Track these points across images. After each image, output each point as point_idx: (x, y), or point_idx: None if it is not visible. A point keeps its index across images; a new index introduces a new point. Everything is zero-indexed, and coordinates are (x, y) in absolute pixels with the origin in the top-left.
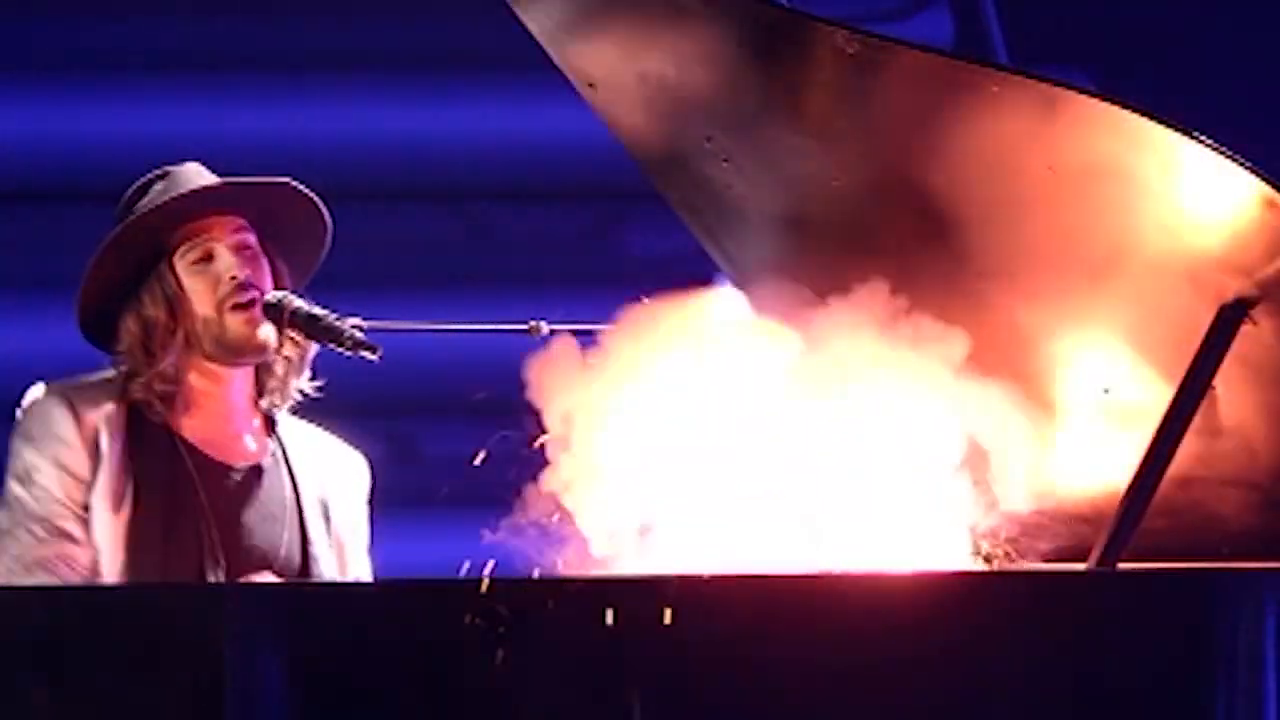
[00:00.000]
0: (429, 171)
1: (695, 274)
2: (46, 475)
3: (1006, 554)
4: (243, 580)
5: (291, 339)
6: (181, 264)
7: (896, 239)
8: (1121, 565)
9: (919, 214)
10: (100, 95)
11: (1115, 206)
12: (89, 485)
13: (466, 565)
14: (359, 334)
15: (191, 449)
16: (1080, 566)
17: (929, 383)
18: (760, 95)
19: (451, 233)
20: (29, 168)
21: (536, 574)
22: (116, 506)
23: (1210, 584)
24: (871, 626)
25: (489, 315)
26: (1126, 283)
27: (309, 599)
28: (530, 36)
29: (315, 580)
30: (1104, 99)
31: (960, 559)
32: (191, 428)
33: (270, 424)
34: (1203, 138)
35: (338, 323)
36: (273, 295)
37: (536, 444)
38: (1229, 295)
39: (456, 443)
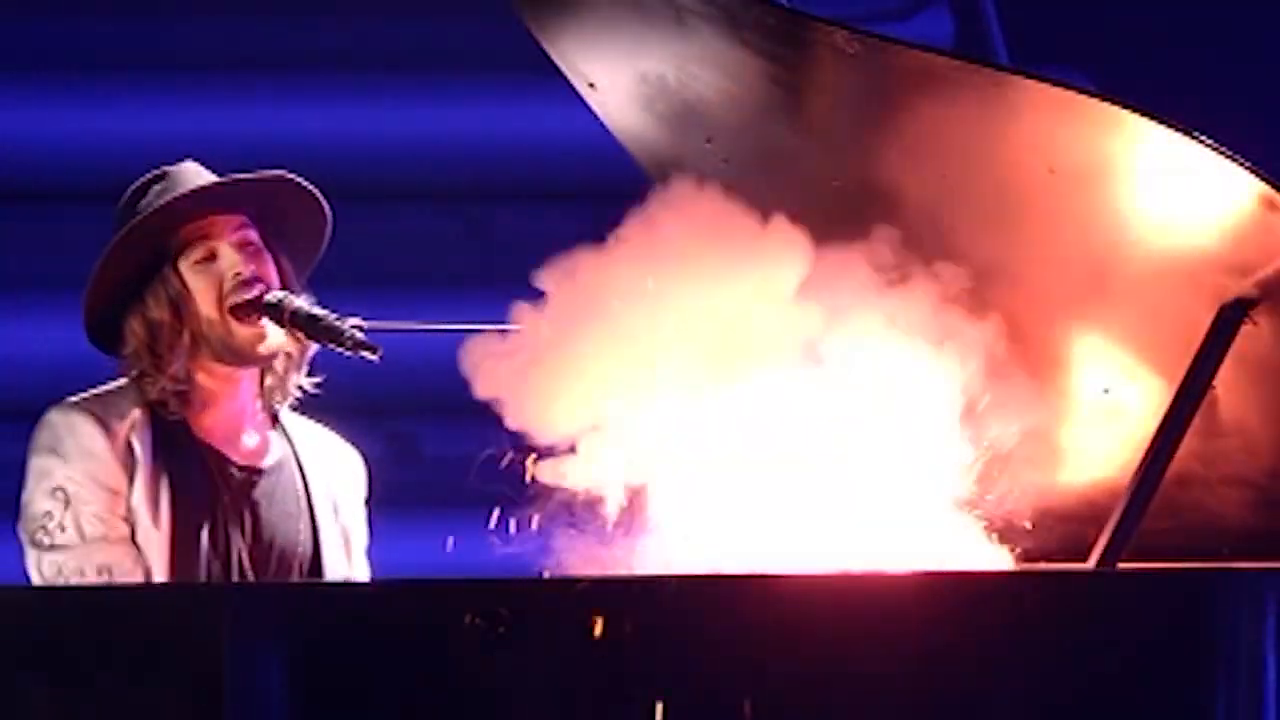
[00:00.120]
0: (429, 171)
1: None
2: (86, 491)
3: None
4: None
5: (292, 336)
6: (185, 264)
7: (896, 239)
8: (1122, 565)
9: (919, 214)
10: (100, 95)
11: (1116, 206)
12: (126, 496)
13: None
14: (359, 334)
15: (211, 449)
16: (1080, 566)
17: (928, 383)
18: (760, 96)
19: (451, 233)
20: (28, 168)
21: (537, 574)
22: (155, 513)
23: (1210, 584)
24: (871, 626)
25: (489, 315)
26: (1126, 283)
27: (309, 599)
28: (531, 37)
29: (319, 578)
30: (1104, 99)
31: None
32: (207, 428)
33: (275, 421)
34: (1203, 138)
35: (338, 323)
36: (273, 295)
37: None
38: (1229, 295)
39: (456, 443)
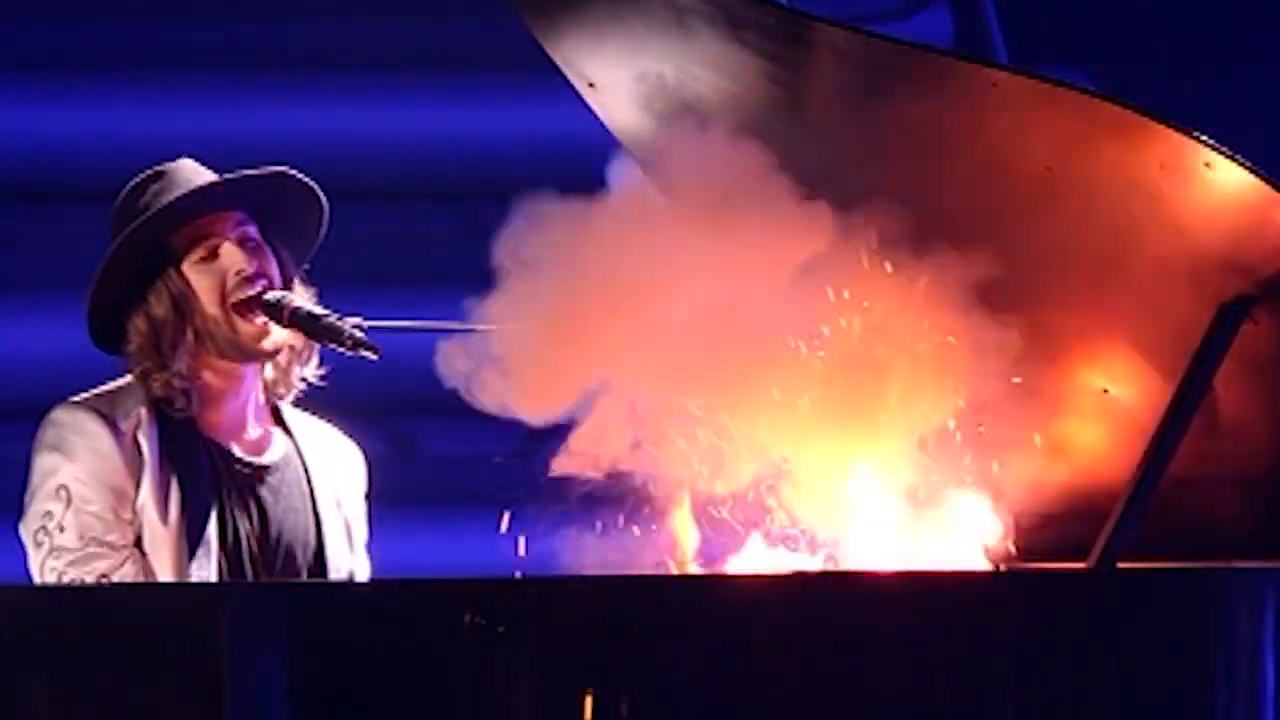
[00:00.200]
0: (429, 171)
1: None
2: (91, 491)
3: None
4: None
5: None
6: (187, 262)
7: (896, 239)
8: (1121, 565)
9: (919, 214)
10: (100, 95)
11: (1115, 206)
12: (134, 496)
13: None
14: (359, 334)
15: (216, 446)
16: (1080, 566)
17: (930, 381)
18: (760, 96)
19: (451, 232)
20: (28, 168)
21: (538, 573)
22: (163, 511)
23: (1210, 583)
24: (871, 626)
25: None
26: (1126, 282)
27: (309, 598)
28: (530, 37)
29: (324, 573)
30: (1104, 99)
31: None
32: (211, 424)
33: (277, 416)
34: (1203, 137)
35: (338, 322)
36: (273, 295)
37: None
38: (1229, 294)
39: (456, 442)
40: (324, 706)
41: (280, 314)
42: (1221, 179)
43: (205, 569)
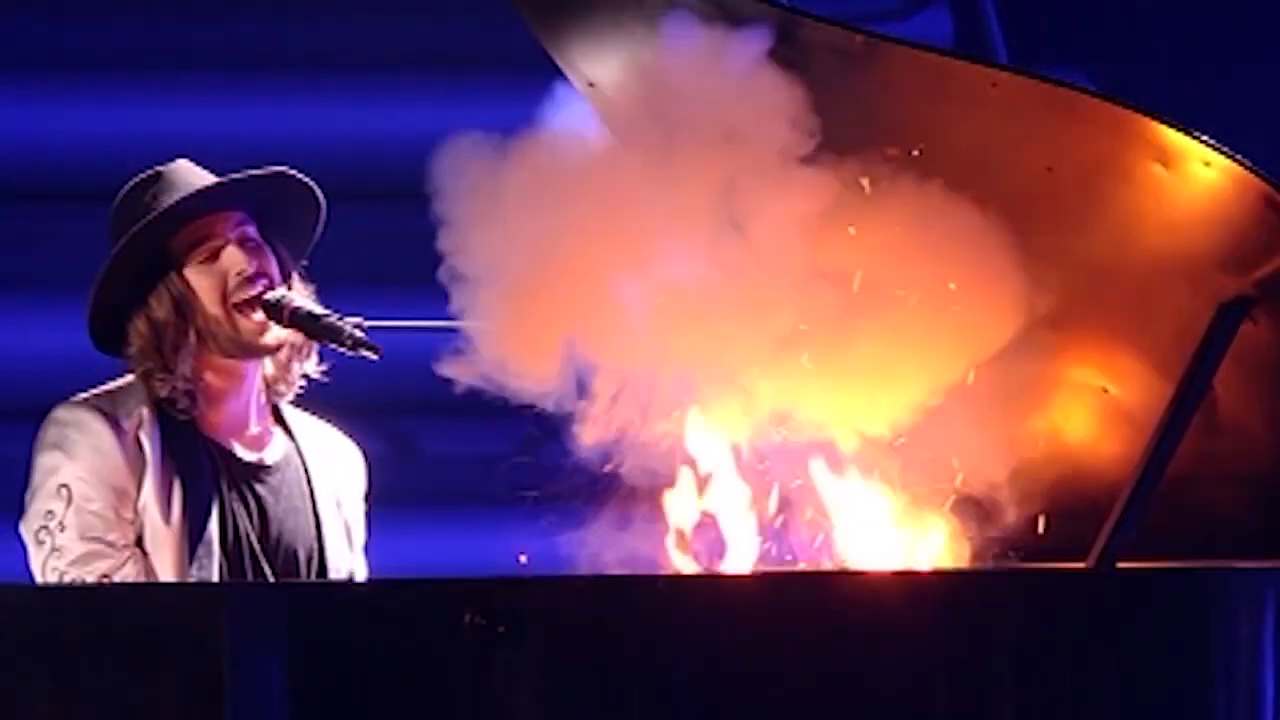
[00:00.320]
0: (429, 171)
1: None
2: (92, 490)
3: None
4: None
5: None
6: (188, 264)
7: (896, 238)
8: (1121, 564)
9: (919, 213)
10: (100, 95)
11: (1115, 206)
12: (135, 496)
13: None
14: (359, 333)
15: (218, 447)
16: (1080, 566)
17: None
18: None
19: None
20: (28, 168)
21: (538, 572)
22: (166, 511)
23: (1210, 582)
24: (872, 626)
25: None
26: (1126, 281)
27: (309, 598)
28: (530, 37)
29: (324, 573)
30: (1104, 99)
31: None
32: (212, 424)
33: (278, 415)
34: (1202, 137)
35: (338, 322)
36: (273, 295)
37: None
38: (1228, 294)
39: (457, 442)
40: (324, 706)
41: (280, 314)
42: (1221, 179)
43: (206, 569)
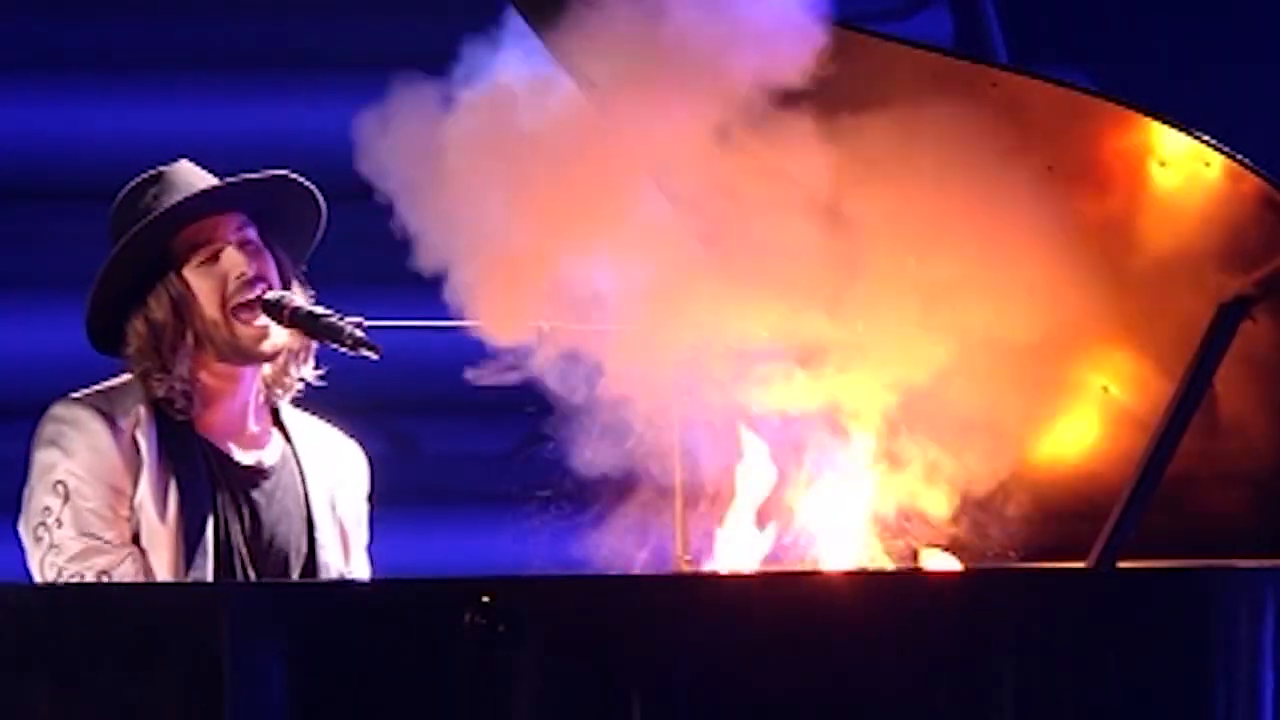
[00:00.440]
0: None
1: None
2: (88, 487)
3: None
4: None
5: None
6: (188, 265)
7: (896, 237)
8: (1121, 563)
9: (919, 212)
10: (100, 95)
11: (1115, 206)
12: (131, 494)
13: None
14: (359, 333)
15: (213, 448)
16: (1080, 565)
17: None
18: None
19: None
20: (28, 167)
21: (537, 572)
22: (161, 509)
23: (1209, 582)
24: (872, 625)
25: None
26: (1126, 280)
27: (309, 598)
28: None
29: (320, 574)
30: (1104, 99)
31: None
32: (208, 426)
33: (276, 417)
34: (1203, 136)
35: (338, 321)
36: (273, 294)
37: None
38: (1228, 293)
39: (457, 441)
40: (324, 706)
41: (280, 313)
42: (1221, 178)
43: (201, 569)
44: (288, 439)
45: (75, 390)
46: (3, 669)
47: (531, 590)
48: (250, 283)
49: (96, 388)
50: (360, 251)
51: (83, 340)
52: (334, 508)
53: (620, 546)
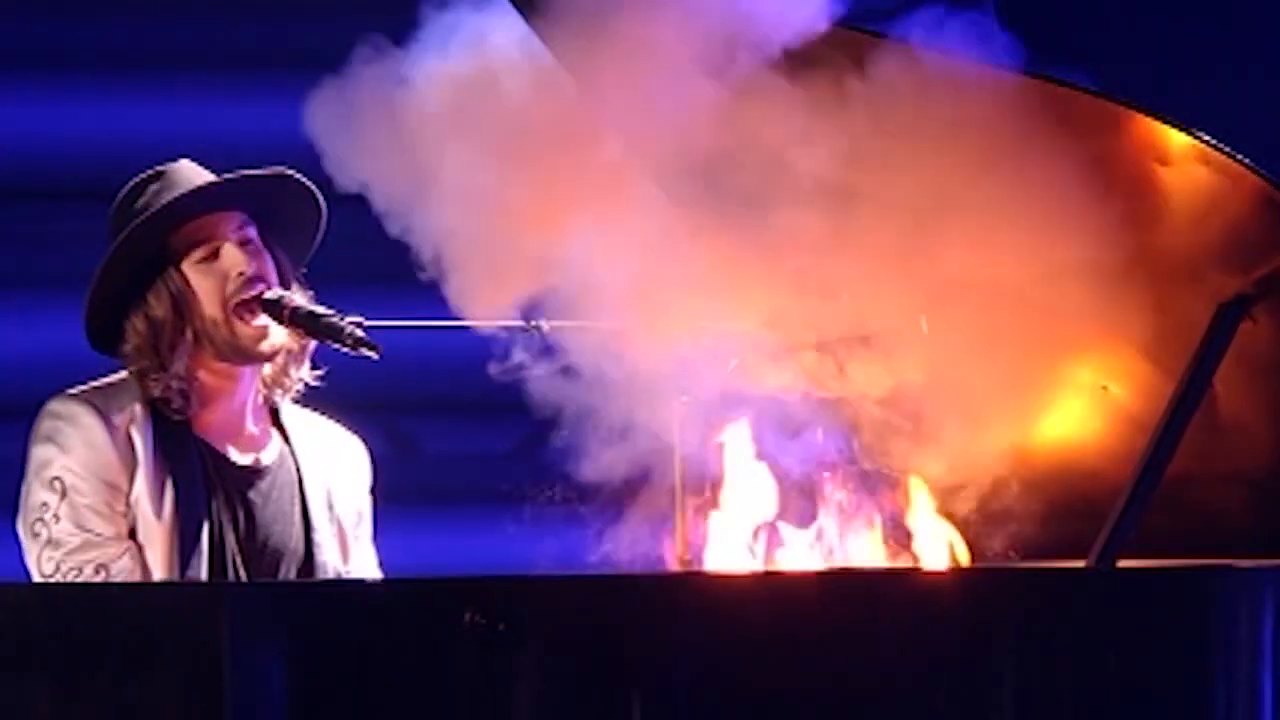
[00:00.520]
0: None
1: None
2: (84, 483)
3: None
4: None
5: (292, 332)
6: (187, 263)
7: (896, 235)
8: (1121, 562)
9: (919, 212)
10: (100, 95)
11: (1115, 204)
12: (127, 491)
13: None
14: (359, 332)
15: (209, 448)
16: (1080, 564)
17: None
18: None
19: None
20: (28, 167)
21: (537, 571)
22: (157, 507)
23: (1209, 581)
24: (872, 624)
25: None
26: (1126, 280)
27: (309, 598)
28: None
29: (318, 574)
30: (1104, 98)
31: None
32: (205, 426)
33: (274, 416)
34: (1203, 136)
35: (338, 320)
36: (273, 293)
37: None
38: (1228, 293)
39: (457, 440)
40: (324, 706)
41: (280, 313)
42: (1221, 177)
43: (195, 569)
44: (286, 439)
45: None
46: (2, 669)
47: (531, 590)
48: (250, 281)
49: (93, 384)
50: (360, 251)
51: (83, 340)
52: (331, 507)
53: (620, 546)
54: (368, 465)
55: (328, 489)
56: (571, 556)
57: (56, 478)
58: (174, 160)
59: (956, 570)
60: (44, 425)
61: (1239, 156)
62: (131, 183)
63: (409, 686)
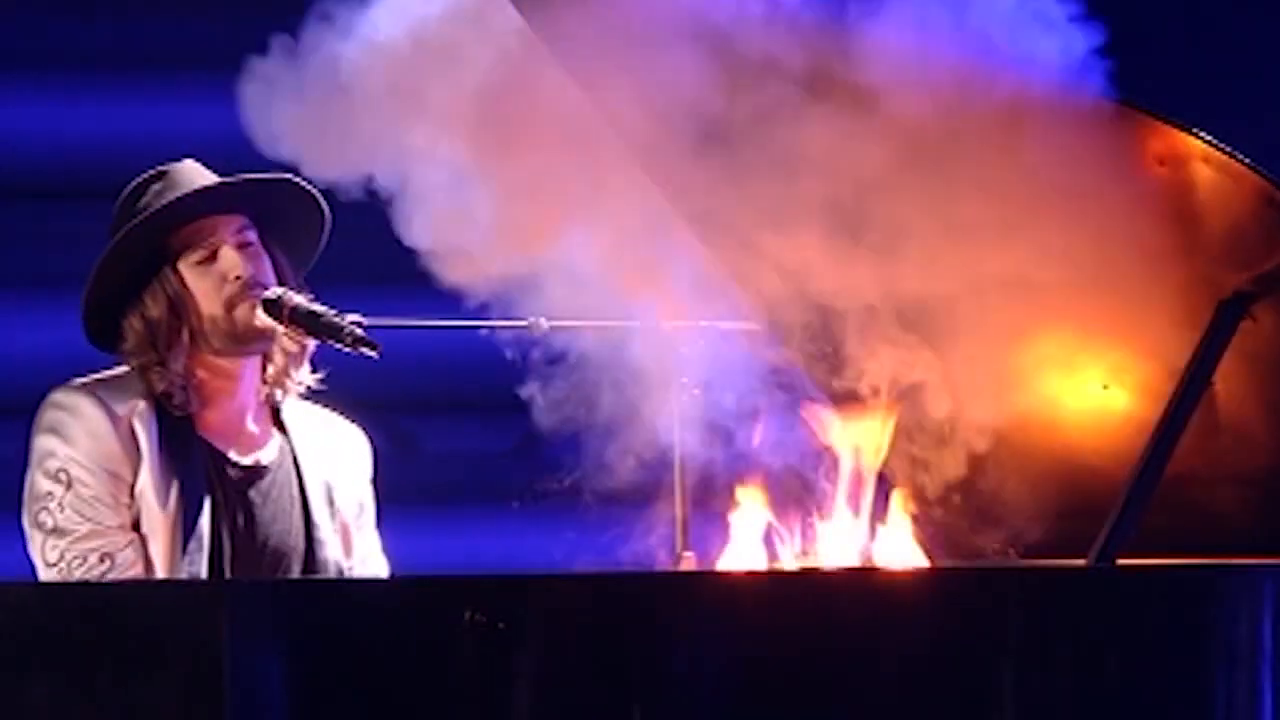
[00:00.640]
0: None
1: None
2: (88, 474)
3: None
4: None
5: (292, 332)
6: (185, 264)
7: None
8: (1121, 561)
9: (919, 211)
10: (100, 95)
11: (1114, 203)
12: (131, 482)
13: None
14: (358, 330)
15: (211, 448)
16: (1080, 563)
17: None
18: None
19: None
20: (28, 166)
21: (537, 570)
22: (164, 501)
23: (1209, 580)
24: (872, 623)
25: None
26: (1126, 278)
27: (309, 596)
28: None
29: (320, 571)
30: (1104, 98)
31: None
32: (206, 425)
33: (275, 414)
34: (1202, 134)
35: (337, 319)
36: (272, 292)
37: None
38: (1228, 291)
39: (457, 439)
40: (324, 704)
41: (280, 311)
42: (1220, 176)
43: (197, 564)
44: (286, 436)
45: None
46: (3, 667)
47: (531, 589)
48: (247, 285)
49: (97, 376)
50: (360, 251)
51: (83, 339)
52: (332, 502)
53: (620, 544)
54: (368, 455)
55: (328, 484)
56: (571, 556)
57: (62, 469)
58: (174, 159)
59: (956, 569)
60: (47, 416)
61: (1238, 155)
62: (135, 182)
63: (409, 685)
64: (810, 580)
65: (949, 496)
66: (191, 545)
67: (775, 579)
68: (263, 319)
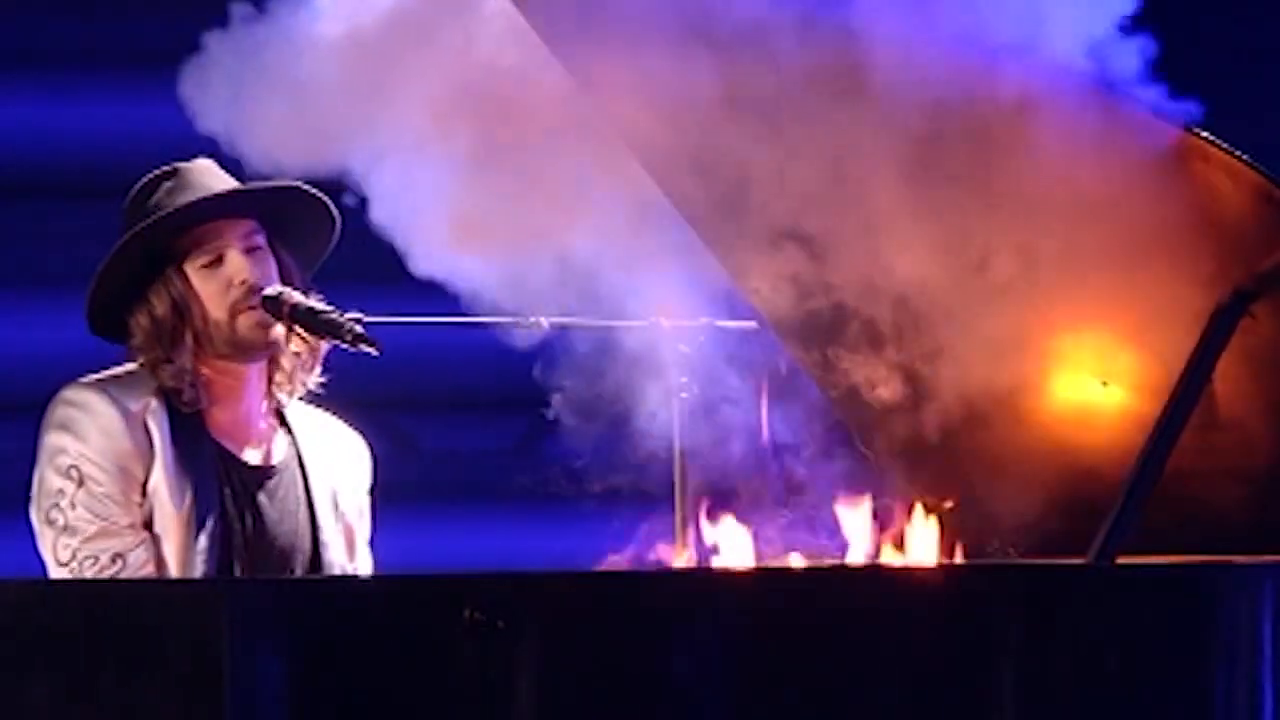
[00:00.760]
0: None
1: None
2: (100, 471)
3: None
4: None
5: (300, 334)
6: (191, 266)
7: (896, 234)
8: (1120, 559)
9: (919, 210)
10: (99, 94)
11: (1114, 201)
12: (143, 480)
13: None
14: (359, 328)
15: (220, 448)
16: (1080, 561)
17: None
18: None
19: None
20: (28, 166)
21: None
22: (179, 500)
23: (1208, 577)
24: (871, 622)
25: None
26: (1125, 276)
27: (309, 594)
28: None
29: (321, 572)
30: (1103, 96)
31: None
32: (216, 426)
33: (281, 416)
34: (1202, 133)
35: (338, 317)
36: (272, 290)
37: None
38: (1227, 289)
39: (456, 438)
40: (324, 702)
41: (280, 309)
42: (1219, 174)
43: (210, 563)
44: (292, 438)
45: None
46: (3, 666)
47: (531, 587)
48: (252, 290)
49: (108, 372)
50: (360, 251)
51: (85, 337)
52: (337, 505)
53: (620, 543)
54: (368, 463)
55: (333, 488)
56: (571, 554)
57: (73, 465)
58: (175, 159)
59: (955, 566)
60: (58, 413)
61: (1237, 153)
62: (146, 179)
63: (408, 683)
64: (810, 579)
65: (949, 496)
66: (201, 544)
67: (775, 578)
68: (265, 322)
